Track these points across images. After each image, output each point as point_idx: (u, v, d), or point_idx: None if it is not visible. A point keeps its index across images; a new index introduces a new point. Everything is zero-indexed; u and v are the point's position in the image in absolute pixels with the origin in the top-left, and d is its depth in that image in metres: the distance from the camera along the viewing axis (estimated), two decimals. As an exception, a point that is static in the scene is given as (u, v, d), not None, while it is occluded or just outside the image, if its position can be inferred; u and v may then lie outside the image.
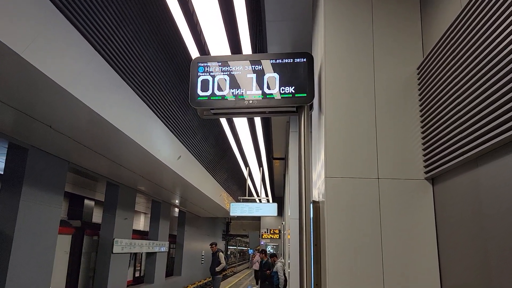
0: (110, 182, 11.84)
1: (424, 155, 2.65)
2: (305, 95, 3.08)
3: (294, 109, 3.22)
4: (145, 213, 27.85)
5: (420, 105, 2.75)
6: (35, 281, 7.93)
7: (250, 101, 3.17)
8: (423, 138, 2.69)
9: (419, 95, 2.77)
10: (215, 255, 11.28)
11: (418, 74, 2.81)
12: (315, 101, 3.35)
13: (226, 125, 11.81)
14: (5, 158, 7.80)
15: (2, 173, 8.38)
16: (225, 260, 11.67)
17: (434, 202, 2.60)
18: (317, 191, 3.17)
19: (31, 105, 5.79)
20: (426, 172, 2.62)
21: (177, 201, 17.53)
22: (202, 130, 11.59)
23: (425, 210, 2.60)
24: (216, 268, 11.10)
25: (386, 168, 2.69)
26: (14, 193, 7.53)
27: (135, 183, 12.52)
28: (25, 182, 7.61)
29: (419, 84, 2.80)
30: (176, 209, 20.16)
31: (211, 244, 11.81)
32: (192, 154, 12.13)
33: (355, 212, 2.63)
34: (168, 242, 17.49)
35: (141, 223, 28.26)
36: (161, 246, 16.18)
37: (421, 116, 2.72)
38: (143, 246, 14.34)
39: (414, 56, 2.88)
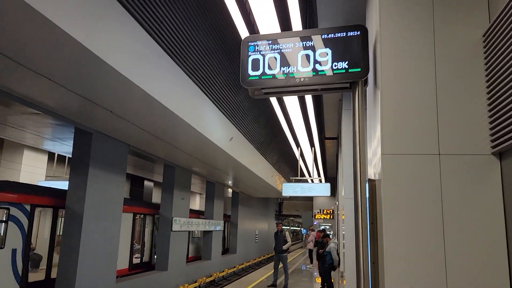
0: (167, 163, 12.36)
1: (491, 128, 2.48)
2: (359, 70, 2.98)
3: (348, 85, 3.13)
4: (200, 194, 28.87)
5: (487, 75, 2.55)
6: (103, 254, 8.57)
7: (302, 79, 3.12)
8: (489, 111, 2.50)
9: (486, 64, 2.57)
10: (280, 233, 11.47)
11: (484, 41, 2.60)
12: (370, 75, 3.23)
13: (277, 106, 11.78)
14: (72, 142, 8.40)
15: (70, 156, 9.04)
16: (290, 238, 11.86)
17: (502, 179, 2.44)
18: (373, 169, 3.09)
19: (94, 91, 6.14)
20: (493, 147, 2.45)
21: (230, 182, 17.95)
22: (253, 111, 11.66)
23: (492, 188, 2.44)
24: (283, 246, 11.31)
25: (448, 143, 2.55)
26: (82, 175, 8.11)
27: (190, 164, 12.97)
28: (91, 164, 8.16)
29: (485, 53, 2.59)
30: (230, 190, 20.68)
31: (277, 223, 12.01)
32: (244, 136, 12.29)
33: (414, 190, 2.53)
34: (223, 221, 18.04)
35: (197, 203, 29.36)
36: (216, 225, 16.74)
37: (488, 86, 2.53)
38: (199, 225, 14.92)
39: (479, 22, 2.66)
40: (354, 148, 2.92)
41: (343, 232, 9.77)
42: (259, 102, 11.38)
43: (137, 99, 6.47)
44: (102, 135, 8.53)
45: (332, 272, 10.34)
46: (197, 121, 8.33)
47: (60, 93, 6.05)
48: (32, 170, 13.63)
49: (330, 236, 10.83)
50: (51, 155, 15.12)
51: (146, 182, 20.63)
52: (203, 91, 8.37)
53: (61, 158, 16.15)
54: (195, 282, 13.78)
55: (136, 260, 11.84)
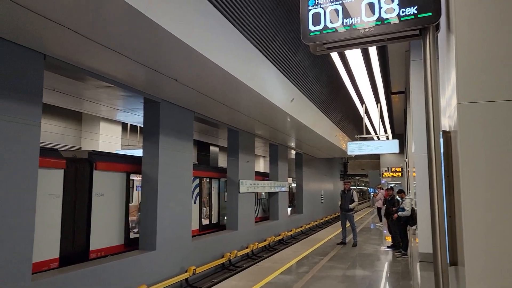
0: (230, 128, 12.67)
1: None
2: (429, 14, 2.74)
3: (417, 32, 2.90)
4: (264, 156, 29.38)
5: None
6: (178, 215, 9.19)
7: (366, 30, 2.95)
8: None
9: None
10: (347, 192, 11.45)
11: None
12: (442, 19, 2.96)
13: (339, 62, 11.35)
14: (142, 112, 8.89)
15: (142, 125, 9.59)
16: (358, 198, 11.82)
17: None
18: (447, 121, 2.90)
19: (159, 61, 6.37)
20: None
21: (293, 144, 17.99)
22: (313, 70, 11.38)
23: None
24: (350, 206, 11.33)
25: (536, 87, 2.29)
26: (154, 143, 8.61)
27: (253, 128, 13.15)
28: (161, 132, 8.62)
29: None
30: (293, 151, 20.77)
31: (345, 182, 12.00)
32: (305, 95, 12.11)
33: (493, 140, 2.34)
34: (287, 183, 18.31)
35: (261, 166, 29.99)
36: (281, 186, 17.05)
37: None
38: (265, 186, 15.30)
39: None
40: (426, 99, 2.75)
41: (415, 190, 9.45)
42: (319, 59, 11.05)
43: (199, 65, 6.60)
44: (169, 104, 8.90)
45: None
46: (257, 84, 8.34)
47: (129, 65, 6.36)
48: (109, 140, 14.74)
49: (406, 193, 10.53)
50: (124, 126, 16.18)
51: (211, 148, 21.40)
52: (262, 53, 8.30)
53: (133, 128, 17.24)
54: (265, 240, 14.34)
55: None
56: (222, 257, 11.13)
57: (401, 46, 9.96)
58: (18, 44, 5.34)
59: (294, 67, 10.08)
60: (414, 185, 9.75)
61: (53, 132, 12.96)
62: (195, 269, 9.26)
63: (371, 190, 47.45)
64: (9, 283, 5.13)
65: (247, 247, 12.82)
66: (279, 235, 15.93)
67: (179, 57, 6.22)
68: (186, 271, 9.12)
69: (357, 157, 32.32)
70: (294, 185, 22.69)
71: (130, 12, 4.58)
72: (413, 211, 9.58)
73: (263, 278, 7.46)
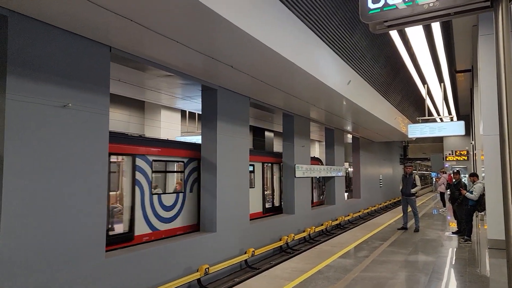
0: (285, 113, 12.65)
1: None
2: (503, -17, 2.53)
3: (488, 3, 2.70)
4: (319, 141, 29.05)
5: None
6: (237, 198, 9.44)
7: (430, 4, 2.80)
8: None
9: None
10: (409, 176, 11.05)
11: None
12: (518, -12, 2.72)
13: (399, 40, 10.83)
14: (200, 99, 9.16)
15: (200, 113, 9.90)
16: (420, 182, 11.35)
17: None
18: (523, 99, 2.68)
19: (215, 48, 6.50)
20: None
21: (349, 127, 17.57)
22: (371, 50, 10.97)
23: None
24: (412, 190, 10.93)
25: None
26: (212, 129, 8.86)
27: (308, 112, 13.03)
28: (218, 118, 8.84)
29: None
30: (349, 135, 20.30)
31: (406, 166, 11.57)
32: (362, 78, 11.73)
33: None
34: (344, 167, 17.99)
35: (316, 150, 29.70)
36: (338, 171, 16.80)
37: None
38: (321, 171, 15.17)
39: None
40: (499, 76, 2.56)
41: (483, 174, 8.89)
42: (377, 39, 10.62)
43: (254, 51, 6.64)
44: (225, 91, 9.08)
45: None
46: (313, 67, 8.23)
47: (187, 53, 6.57)
48: (170, 127, 15.38)
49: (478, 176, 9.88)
50: (183, 113, 16.78)
51: (266, 133, 21.53)
52: (317, 35, 8.15)
53: (192, 115, 17.82)
54: (321, 225, 14.31)
55: (268, 205, 12.77)
56: (280, 240, 11.29)
57: (468, 20, 9.27)
58: (86, 38, 5.71)
59: (351, 48, 9.78)
60: (482, 168, 9.16)
61: (119, 120, 13.80)
62: (253, 251, 9.51)
63: (433, 174, 45.19)
64: (87, 260, 5.63)
65: (304, 231, 12.88)
66: (336, 220, 15.79)
67: (235, 44, 6.30)
68: (245, 253, 9.40)
69: (418, 140, 30.90)
70: (351, 169, 22.25)
71: (189, 1, 4.71)
72: (481, 197, 9.02)
73: (321, 261, 7.48)
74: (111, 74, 6.28)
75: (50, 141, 5.19)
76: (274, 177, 13.31)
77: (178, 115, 16.19)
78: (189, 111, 16.91)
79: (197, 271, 7.74)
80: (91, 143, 5.78)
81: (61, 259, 5.26)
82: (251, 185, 11.54)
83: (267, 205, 12.68)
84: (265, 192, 12.59)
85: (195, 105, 12.51)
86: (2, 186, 4.61)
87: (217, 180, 8.69)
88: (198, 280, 7.79)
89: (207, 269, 7.80)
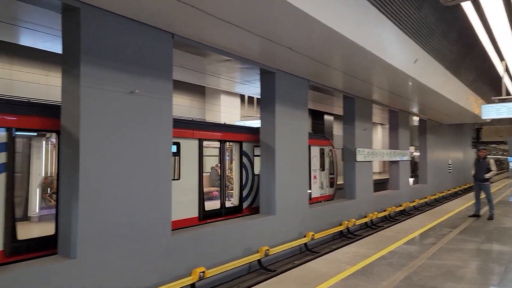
0: (346, 95, 12.28)
1: None
2: None
3: None
4: (382, 124, 27.93)
5: None
6: (296, 182, 9.42)
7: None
8: None
9: None
10: (483, 160, 10.28)
11: None
12: None
13: (473, 13, 9.91)
14: (259, 83, 9.18)
15: (259, 97, 9.93)
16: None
17: None
18: None
19: (273, 31, 6.44)
20: None
21: (415, 109, 16.65)
22: (440, 25, 10.21)
23: None
24: (486, 175, 10.17)
25: None
26: (270, 112, 8.85)
27: (370, 94, 12.53)
28: (276, 102, 8.80)
29: None
30: (415, 118, 19.25)
31: (479, 149, 10.76)
32: (430, 55, 11.00)
33: None
34: (409, 151, 17.16)
35: (379, 134, 28.62)
36: (402, 155, 16.07)
37: None
38: (384, 155, 14.61)
39: None
40: None
41: None
42: (448, 13, 9.83)
43: (313, 31, 6.48)
44: (283, 73, 8.99)
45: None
46: (375, 45, 7.84)
47: (246, 37, 6.58)
48: (229, 111, 15.66)
49: None
50: (242, 97, 16.97)
51: (326, 116, 21.11)
52: (380, 10, 7.73)
53: (251, 99, 17.97)
54: (384, 211, 13.85)
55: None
56: (340, 225, 11.12)
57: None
58: (151, 26, 5.93)
59: (417, 24, 9.18)
60: None
61: (182, 105, 14.33)
62: (313, 235, 9.47)
63: (510, 159, 41.61)
64: (155, 237, 5.97)
65: (365, 216, 12.55)
66: (401, 206, 15.18)
67: (294, 25, 6.18)
68: (304, 236, 9.39)
69: (493, 122, 28.50)
70: (416, 154, 21.17)
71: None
72: None
73: (384, 246, 7.25)
74: (174, 60, 6.48)
75: (120, 125, 5.51)
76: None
77: (237, 100, 16.40)
78: (248, 96, 17.07)
79: (257, 252, 7.88)
80: (157, 127, 6.04)
81: (134, 234, 5.63)
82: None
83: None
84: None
85: (253, 89, 12.58)
86: (79, 167, 4.99)
87: (276, 163, 8.71)
88: (259, 261, 7.94)
89: (267, 251, 7.91)
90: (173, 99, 6.40)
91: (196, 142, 8.20)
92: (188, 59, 8.77)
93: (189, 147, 8.03)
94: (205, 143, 8.52)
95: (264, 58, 8.01)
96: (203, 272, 6.34)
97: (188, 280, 6.20)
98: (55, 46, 7.47)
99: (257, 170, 9.61)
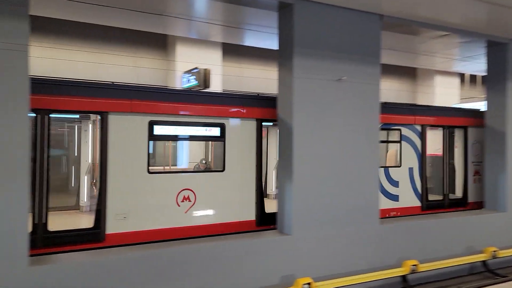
0: None
1: None
2: None
3: None
4: None
5: None
6: None
7: None
8: None
9: None
10: None
11: None
12: None
13: None
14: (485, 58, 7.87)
15: (484, 74, 8.55)
16: None
17: None
18: None
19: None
20: None
21: None
22: None
23: None
24: None
25: None
26: (499, 91, 7.48)
27: None
28: (509, 78, 7.36)
29: None
30: None
31: None
32: None
33: None
34: None
35: None
36: None
37: None
38: None
39: None
40: None
41: None
42: None
43: None
44: (519, 43, 7.42)
45: None
46: None
47: (467, 7, 5.76)
48: (446, 92, 14.09)
49: None
50: (461, 77, 14.99)
51: None
52: None
53: (473, 78, 15.67)
54: None
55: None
56: None
57: None
58: (358, 10, 5.85)
59: None
60: None
61: (390, 89, 13.74)
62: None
63: None
64: (363, 222, 5.99)
65: None
66: None
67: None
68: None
69: None
70: None
71: None
72: None
73: None
74: (382, 43, 6.24)
75: (327, 112, 5.71)
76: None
77: (456, 80, 14.61)
78: (468, 74, 14.93)
79: (482, 253, 6.88)
80: (363, 113, 5.98)
81: (342, 218, 5.79)
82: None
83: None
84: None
85: (477, 66, 10.87)
86: (292, 152, 5.43)
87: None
88: (483, 262, 6.93)
89: (494, 252, 6.82)
90: (381, 84, 6.19)
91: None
92: (397, 40, 8.27)
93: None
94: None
95: (492, 27, 6.78)
96: (415, 265, 5.99)
97: (399, 271, 5.98)
98: (273, 43, 8.34)
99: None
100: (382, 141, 7.52)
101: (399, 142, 7.79)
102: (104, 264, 4.33)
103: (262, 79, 12.17)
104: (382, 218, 6.39)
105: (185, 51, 10.92)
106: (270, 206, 6.29)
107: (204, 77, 10.60)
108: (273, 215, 5.97)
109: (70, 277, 4.12)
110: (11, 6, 3.88)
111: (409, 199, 7.81)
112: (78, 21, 9.04)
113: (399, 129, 7.70)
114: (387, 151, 8.61)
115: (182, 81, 11.00)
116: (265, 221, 6.20)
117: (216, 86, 10.98)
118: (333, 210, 5.70)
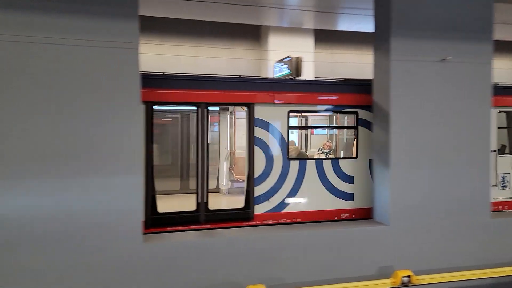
0: None
1: None
2: None
3: None
4: None
5: None
6: None
7: None
8: None
9: None
10: None
11: None
12: None
13: None
14: None
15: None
16: None
17: None
18: None
19: None
20: None
21: None
22: None
23: None
24: None
25: None
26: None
27: None
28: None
29: None
30: None
31: None
32: None
33: None
34: None
35: None
36: None
37: None
38: None
39: None
40: None
41: None
42: None
43: None
44: None
45: None
46: None
47: None
48: None
49: None
50: None
51: None
52: None
53: None
54: None
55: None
56: None
57: None
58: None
59: None
60: None
61: (503, 69, 12.22)
62: None
63: None
64: (468, 217, 5.51)
65: None
66: None
67: None
68: None
69: None
70: None
71: None
72: None
73: None
74: (495, 17, 5.59)
75: (429, 95, 5.31)
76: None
77: None
78: None
79: None
80: (472, 95, 5.45)
81: (448, 211, 5.40)
82: None
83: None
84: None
85: None
86: (390, 140, 5.20)
87: None
88: None
89: None
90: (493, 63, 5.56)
91: None
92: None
93: None
94: None
95: None
96: (533, 264, 5.34)
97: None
98: (368, 26, 8.00)
99: None
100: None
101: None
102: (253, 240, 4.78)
103: (355, 63, 11.75)
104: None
105: (278, 40, 11.03)
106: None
107: (296, 65, 10.59)
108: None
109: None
110: (123, 8, 4.32)
111: None
112: (179, 18, 9.71)
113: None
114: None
115: (274, 70, 11.14)
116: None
117: (307, 73, 10.91)
118: (435, 201, 5.35)
